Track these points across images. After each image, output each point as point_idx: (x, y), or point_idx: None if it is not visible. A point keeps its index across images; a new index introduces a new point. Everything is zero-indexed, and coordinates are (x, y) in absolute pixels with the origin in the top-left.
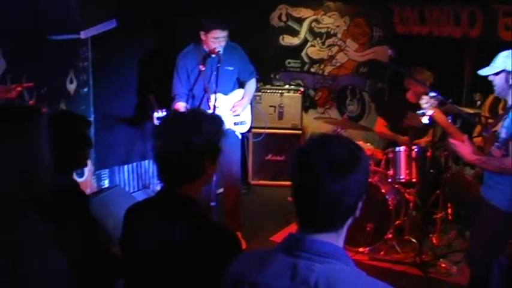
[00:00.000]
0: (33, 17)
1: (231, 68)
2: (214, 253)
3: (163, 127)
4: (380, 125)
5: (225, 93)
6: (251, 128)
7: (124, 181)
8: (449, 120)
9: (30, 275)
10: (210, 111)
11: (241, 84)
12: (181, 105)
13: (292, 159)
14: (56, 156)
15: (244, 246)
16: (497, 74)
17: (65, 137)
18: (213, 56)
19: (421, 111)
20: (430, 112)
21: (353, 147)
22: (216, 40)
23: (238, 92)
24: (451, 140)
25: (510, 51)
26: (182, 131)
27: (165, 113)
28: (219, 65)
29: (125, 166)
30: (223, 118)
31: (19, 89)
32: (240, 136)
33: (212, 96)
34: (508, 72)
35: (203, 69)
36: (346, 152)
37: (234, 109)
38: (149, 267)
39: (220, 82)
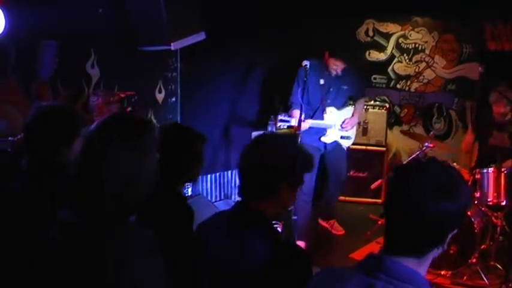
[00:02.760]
0: (126, 28)
1: (346, 87)
2: (284, 274)
3: (252, 143)
4: (467, 142)
5: (338, 108)
6: None
7: (206, 190)
8: None
9: (129, 277)
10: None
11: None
12: (297, 113)
13: (393, 176)
14: (169, 170)
15: (342, 231)
16: None
17: (181, 153)
18: (332, 73)
19: None
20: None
21: (455, 174)
22: (334, 65)
23: (349, 110)
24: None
25: None
26: (266, 150)
27: (287, 117)
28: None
29: (208, 175)
30: (332, 131)
31: (122, 95)
32: (345, 149)
33: (327, 109)
34: None
35: (322, 83)
36: (449, 178)
37: (344, 125)
38: (221, 283)
39: (335, 98)
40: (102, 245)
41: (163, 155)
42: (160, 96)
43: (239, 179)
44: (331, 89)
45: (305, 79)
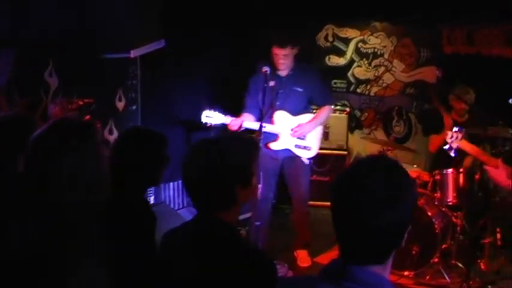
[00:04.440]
0: (85, 35)
1: (300, 90)
2: (250, 281)
3: (190, 155)
4: (434, 142)
5: (292, 113)
6: None
7: (169, 198)
8: (478, 148)
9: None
10: (268, 127)
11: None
12: (246, 116)
13: (336, 183)
14: (131, 174)
15: (308, 263)
16: None
17: (141, 156)
18: (281, 74)
19: (447, 146)
20: (455, 145)
21: (401, 172)
22: (276, 56)
23: (307, 116)
24: (486, 167)
25: None
26: (208, 159)
27: (216, 113)
28: (280, 83)
29: (171, 183)
30: (283, 137)
31: (80, 103)
32: (306, 162)
33: (276, 113)
34: None
35: (272, 84)
36: (396, 176)
37: (294, 129)
38: None
39: (287, 101)
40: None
41: (124, 160)
42: (120, 104)
43: (189, 191)
44: (281, 91)
45: (265, 85)
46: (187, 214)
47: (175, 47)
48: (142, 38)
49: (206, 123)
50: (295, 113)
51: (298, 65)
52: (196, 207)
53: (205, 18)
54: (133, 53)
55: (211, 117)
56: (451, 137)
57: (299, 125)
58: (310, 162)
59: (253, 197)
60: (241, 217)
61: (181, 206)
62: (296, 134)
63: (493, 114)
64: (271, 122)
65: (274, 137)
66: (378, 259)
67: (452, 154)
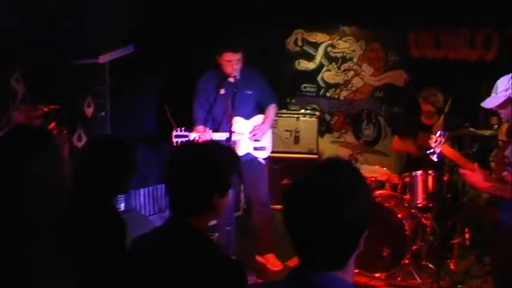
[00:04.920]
0: (52, 41)
1: (250, 92)
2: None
3: (174, 158)
4: (396, 142)
5: (245, 117)
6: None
7: (140, 204)
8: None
9: None
10: (228, 135)
11: (262, 111)
12: (201, 129)
13: (287, 190)
14: (99, 181)
15: (280, 267)
16: (501, 105)
17: (110, 164)
18: (231, 80)
19: (431, 150)
20: (438, 150)
21: (354, 173)
22: (229, 63)
23: (259, 118)
24: (462, 171)
25: (509, 76)
26: (190, 165)
27: (185, 132)
28: (235, 89)
29: (141, 190)
30: (243, 142)
31: (45, 110)
32: (263, 162)
33: (232, 120)
34: None
35: (223, 92)
36: (350, 179)
37: (253, 132)
38: None
39: (239, 106)
40: None
41: (92, 167)
42: (89, 111)
43: (169, 194)
44: (235, 96)
45: (234, 90)
46: (158, 220)
47: (145, 52)
48: (111, 44)
49: (177, 142)
50: (248, 116)
51: (244, 67)
52: (172, 209)
53: (176, 23)
54: (102, 59)
55: (182, 135)
56: (435, 141)
57: (256, 128)
58: (265, 161)
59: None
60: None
61: (152, 213)
62: (255, 136)
63: (461, 116)
64: (230, 129)
65: (233, 143)
66: (337, 264)
67: (435, 159)
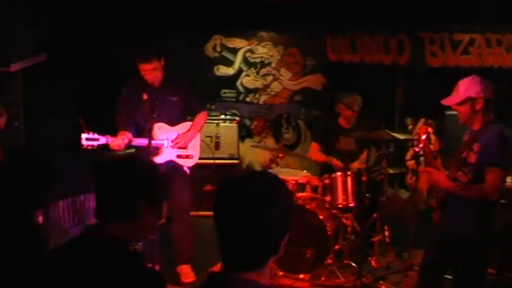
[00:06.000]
0: None
1: (175, 99)
2: None
3: (98, 166)
4: (314, 150)
5: (170, 123)
6: None
7: (59, 217)
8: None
9: None
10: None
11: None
12: (123, 135)
13: (216, 195)
14: (16, 195)
15: (192, 279)
16: (461, 103)
17: (26, 176)
18: (153, 86)
19: (416, 141)
20: (422, 144)
21: (273, 183)
22: (146, 72)
23: (186, 125)
24: (425, 169)
25: (470, 78)
26: (117, 170)
27: (96, 136)
28: (156, 95)
29: (60, 202)
30: (165, 149)
31: None
32: (188, 171)
33: (154, 126)
34: (473, 99)
35: (145, 98)
36: (265, 188)
37: (176, 140)
38: None
39: (163, 112)
40: None
41: (9, 181)
42: (1, 121)
43: (96, 195)
44: (156, 102)
45: (155, 96)
46: (78, 232)
47: (59, 60)
48: (22, 52)
49: (88, 146)
50: (172, 123)
51: (169, 73)
52: (97, 213)
53: (90, 31)
54: (13, 67)
55: (92, 139)
56: (425, 132)
57: (179, 135)
58: (189, 171)
59: None
60: None
61: (72, 225)
62: (178, 144)
63: (377, 119)
64: (151, 135)
65: (156, 150)
66: (255, 264)
67: (417, 149)
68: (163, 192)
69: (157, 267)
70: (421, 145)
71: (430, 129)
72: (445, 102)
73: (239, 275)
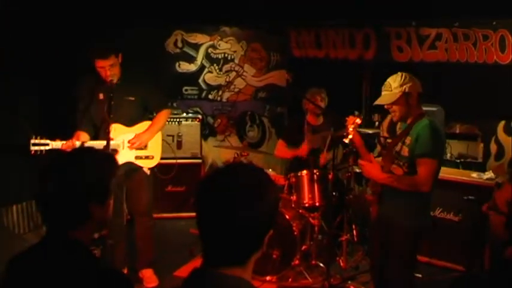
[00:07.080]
0: None
1: (132, 99)
2: None
3: (44, 168)
4: (280, 147)
5: (127, 124)
6: None
7: (13, 222)
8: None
9: None
10: (105, 143)
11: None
12: (80, 135)
13: (197, 188)
14: None
15: (155, 283)
16: (396, 101)
17: None
18: (108, 84)
19: (347, 132)
20: (351, 135)
21: (261, 176)
22: (102, 69)
23: (144, 125)
24: (360, 161)
25: (399, 74)
26: (62, 173)
27: (44, 141)
28: (111, 94)
29: (14, 206)
30: (122, 151)
31: None
32: (148, 172)
33: (110, 127)
34: (407, 94)
35: (101, 98)
36: (256, 179)
37: (132, 141)
38: None
39: (119, 112)
40: None
41: None
42: None
43: (41, 206)
44: (113, 103)
45: (111, 95)
46: (34, 238)
47: (12, 60)
48: None
49: (36, 151)
50: (130, 123)
51: (127, 71)
52: (47, 224)
53: (39, 32)
54: None
55: (40, 144)
56: (353, 123)
57: (136, 136)
58: (150, 171)
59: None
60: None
61: (27, 231)
62: (134, 145)
63: (342, 114)
64: (108, 136)
65: (113, 152)
66: (238, 260)
67: (347, 141)
68: (110, 186)
69: (125, 271)
70: (350, 136)
71: (358, 120)
72: (379, 102)
73: (223, 270)
